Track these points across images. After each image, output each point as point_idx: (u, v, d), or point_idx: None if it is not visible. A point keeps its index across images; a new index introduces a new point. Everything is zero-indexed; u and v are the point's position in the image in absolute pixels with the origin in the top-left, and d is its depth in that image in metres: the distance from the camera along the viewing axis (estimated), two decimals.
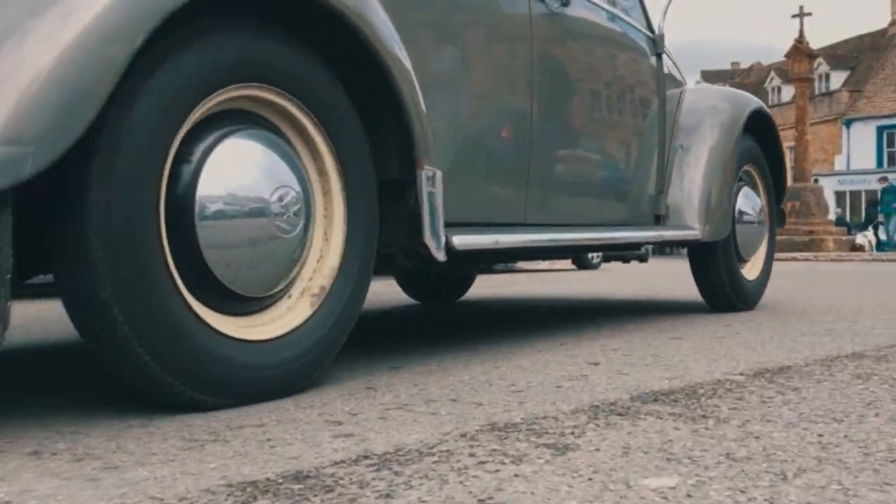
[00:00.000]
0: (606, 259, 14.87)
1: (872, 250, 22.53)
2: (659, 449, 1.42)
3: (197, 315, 1.79)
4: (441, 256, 2.31)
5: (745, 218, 4.30)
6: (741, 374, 2.22)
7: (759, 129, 4.43)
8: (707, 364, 2.41)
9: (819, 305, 4.69)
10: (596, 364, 2.41)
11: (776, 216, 4.77)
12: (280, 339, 1.95)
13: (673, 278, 8.44)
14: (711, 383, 2.09)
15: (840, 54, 42.80)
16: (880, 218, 26.67)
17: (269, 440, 1.53)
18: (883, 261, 16.46)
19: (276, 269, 1.96)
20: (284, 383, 1.95)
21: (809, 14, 25.17)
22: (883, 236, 25.66)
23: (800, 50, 22.92)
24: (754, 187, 4.53)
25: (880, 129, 37.52)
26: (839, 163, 38.87)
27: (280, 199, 1.91)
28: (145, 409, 1.82)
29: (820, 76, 40.38)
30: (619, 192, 3.71)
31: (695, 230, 3.88)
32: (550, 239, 3.05)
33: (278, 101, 1.98)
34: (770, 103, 39.62)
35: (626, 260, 16.19)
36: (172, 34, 1.71)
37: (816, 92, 39.40)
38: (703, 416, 1.69)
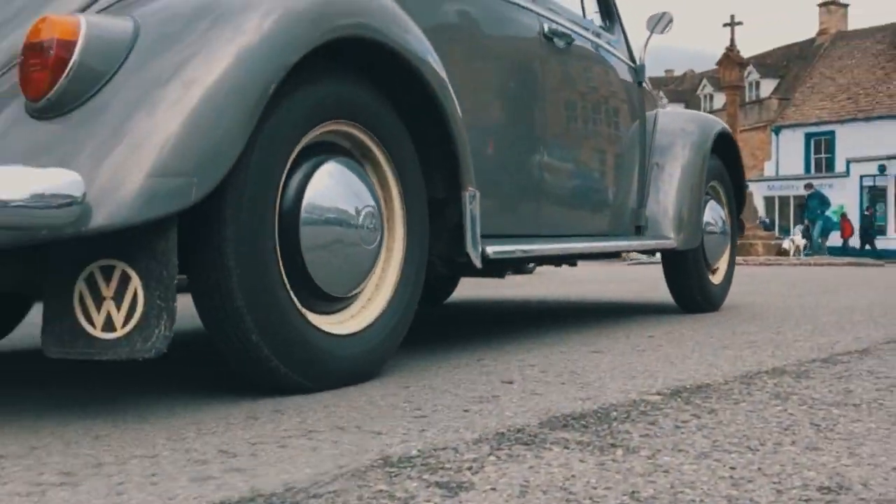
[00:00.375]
0: (540, 263, 14.89)
1: (800, 254, 22.94)
2: (560, 487, 1.34)
3: (302, 314, 2.11)
4: (479, 264, 2.67)
5: (711, 228, 4.70)
6: (658, 394, 2.17)
7: (722, 148, 4.85)
8: (624, 382, 2.36)
9: (744, 313, 4.71)
10: (510, 383, 2.34)
11: (736, 226, 5.19)
12: (358, 333, 2.30)
13: (600, 283, 8.46)
14: (626, 405, 2.03)
15: (770, 63, 43.61)
16: (806, 223, 27.22)
17: (153, 475, 1.43)
18: (809, 265, 16.78)
19: (357, 274, 2.30)
20: (363, 370, 2.31)
21: (741, 23, 25.65)
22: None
23: (731, 59, 23.29)
24: (719, 201, 4.96)
25: (808, 136, 38.26)
26: (769, 169, 39.58)
27: (363, 215, 2.27)
28: (28, 433, 1.71)
29: (750, 84, 41.09)
30: (610, 205, 4.15)
31: (670, 240, 4.35)
32: (559, 248, 3.52)
33: (358, 134, 2.35)
34: (703, 110, 40.14)
35: (557, 264, 16.21)
36: (288, 81, 2.02)
37: (747, 99, 40.08)
38: (612, 446, 1.62)
